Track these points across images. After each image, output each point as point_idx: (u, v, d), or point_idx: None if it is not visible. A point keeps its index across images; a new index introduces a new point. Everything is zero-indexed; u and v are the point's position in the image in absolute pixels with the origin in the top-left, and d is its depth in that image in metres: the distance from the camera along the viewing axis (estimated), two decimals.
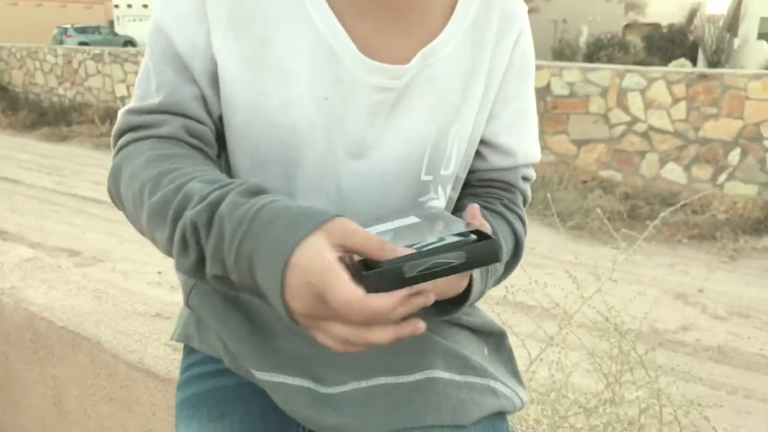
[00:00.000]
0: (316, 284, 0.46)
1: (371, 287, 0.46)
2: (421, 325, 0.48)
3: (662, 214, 2.12)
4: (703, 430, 1.71)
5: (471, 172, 0.76)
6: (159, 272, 4.46)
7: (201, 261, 0.53)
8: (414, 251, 0.49)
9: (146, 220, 0.58)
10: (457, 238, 0.51)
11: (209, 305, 0.72)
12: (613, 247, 5.78)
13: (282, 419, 0.69)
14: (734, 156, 6.57)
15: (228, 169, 0.69)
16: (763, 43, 21.62)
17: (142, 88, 0.65)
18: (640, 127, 6.98)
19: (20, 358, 1.11)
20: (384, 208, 0.67)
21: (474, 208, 0.59)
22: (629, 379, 1.69)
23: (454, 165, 0.71)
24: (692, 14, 36.11)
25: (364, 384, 0.67)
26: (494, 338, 0.78)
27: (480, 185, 0.76)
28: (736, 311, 4.34)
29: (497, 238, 0.56)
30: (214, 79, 0.65)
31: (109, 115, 10.58)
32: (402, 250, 0.49)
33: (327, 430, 0.65)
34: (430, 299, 0.48)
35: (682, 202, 2.50)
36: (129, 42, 27.07)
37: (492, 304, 1.86)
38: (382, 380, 0.67)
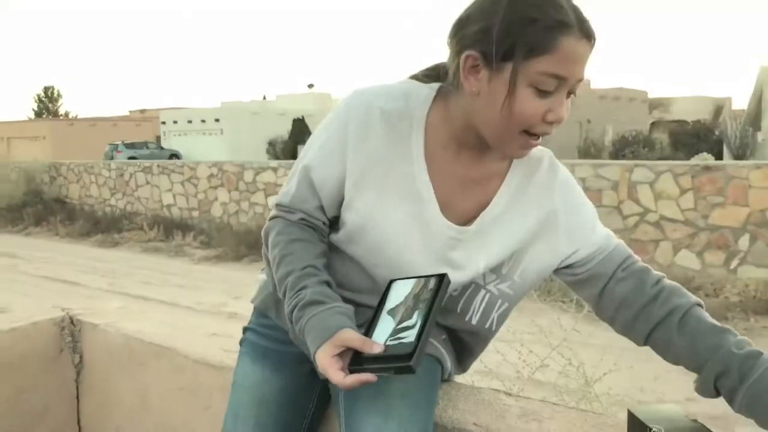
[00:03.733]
0: (323, 370, 0.91)
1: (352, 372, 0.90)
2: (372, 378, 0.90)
3: None
4: None
5: (603, 283, 1.12)
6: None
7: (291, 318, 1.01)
8: (381, 349, 0.89)
9: (276, 274, 1.06)
10: (407, 346, 0.88)
11: None
12: None
13: (315, 386, 1.16)
14: (744, 241, 6.88)
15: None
16: None
17: (287, 187, 1.11)
18: (651, 217, 7.37)
19: (117, 370, 1.57)
20: None
21: None
22: None
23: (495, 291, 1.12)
24: (718, 110, 36.78)
25: None
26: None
27: (616, 278, 1.12)
28: None
29: (415, 361, 0.87)
30: (337, 200, 1.08)
31: (157, 221, 11.35)
32: (377, 345, 0.90)
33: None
34: (374, 380, 0.90)
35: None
36: (174, 155, 28.68)
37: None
38: None
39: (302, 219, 1.08)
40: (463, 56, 0.96)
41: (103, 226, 11.87)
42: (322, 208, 1.09)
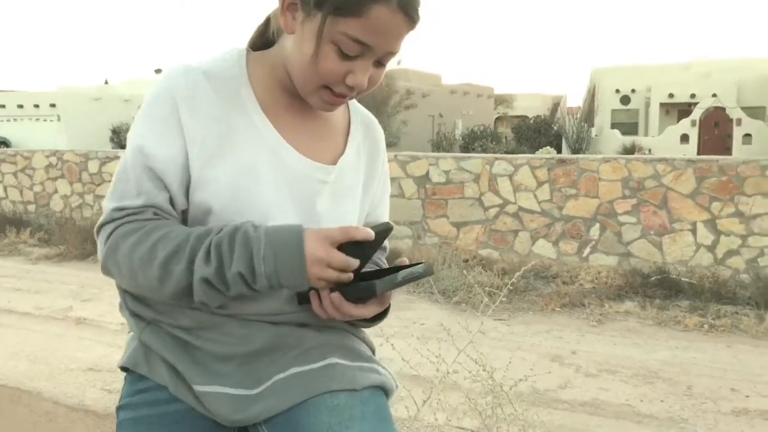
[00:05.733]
0: (323, 237, 0.81)
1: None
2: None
3: (513, 282, 2.46)
4: None
5: None
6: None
7: (220, 268, 0.82)
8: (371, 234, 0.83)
9: (160, 264, 0.83)
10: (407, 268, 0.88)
11: (160, 339, 0.95)
12: (495, 318, 6.21)
13: None
14: (595, 231, 7.31)
15: None
16: (616, 132, 24.11)
17: (121, 189, 0.91)
18: (511, 208, 7.64)
19: None
20: None
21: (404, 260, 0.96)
22: (501, 415, 1.96)
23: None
24: (555, 107, 39.59)
25: (282, 375, 0.91)
26: (372, 348, 1.05)
27: None
28: (605, 368, 4.78)
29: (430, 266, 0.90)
30: (184, 184, 0.91)
31: None
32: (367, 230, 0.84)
33: (256, 419, 0.87)
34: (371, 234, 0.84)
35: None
36: (2, 142, 26.03)
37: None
38: (295, 370, 0.92)
39: (155, 214, 0.90)
40: None
41: None
42: (172, 201, 0.92)
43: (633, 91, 25.32)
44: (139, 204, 0.88)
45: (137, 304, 0.96)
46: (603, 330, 5.69)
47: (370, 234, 0.81)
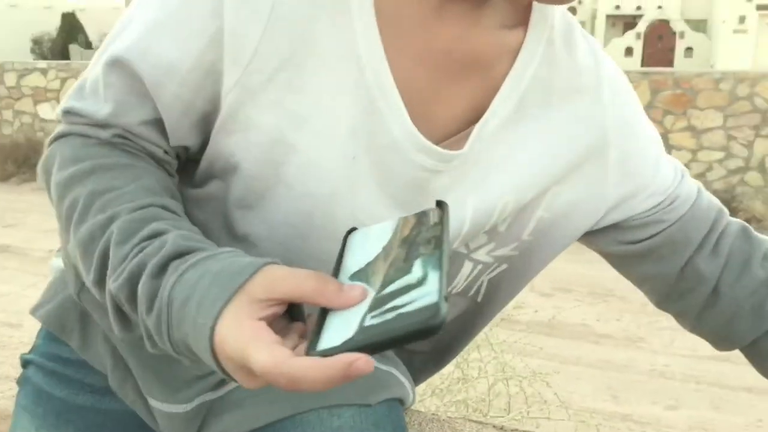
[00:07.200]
0: (238, 359, 0.40)
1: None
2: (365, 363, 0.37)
3: None
4: (545, 396, 1.85)
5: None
6: None
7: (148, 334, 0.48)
8: (362, 295, 0.42)
9: (72, 247, 0.51)
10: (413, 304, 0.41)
11: None
12: None
13: None
14: None
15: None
16: None
17: (89, 84, 0.55)
18: None
19: None
20: None
21: None
22: (476, 357, 1.79)
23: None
24: None
25: None
26: None
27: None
28: (560, 287, 4.74)
29: (438, 315, 0.38)
30: (197, 109, 0.54)
31: None
32: (349, 289, 0.42)
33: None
34: (371, 367, 0.37)
35: None
36: None
37: None
38: None
39: (120, 136, 0.53)
40: None
41: None
42: (157, 125, 0.54)
43: (579, 2, 25.06)
44: (102, 117, 0.52)
45: None
46: None
47: (361, 297, 0.41)
